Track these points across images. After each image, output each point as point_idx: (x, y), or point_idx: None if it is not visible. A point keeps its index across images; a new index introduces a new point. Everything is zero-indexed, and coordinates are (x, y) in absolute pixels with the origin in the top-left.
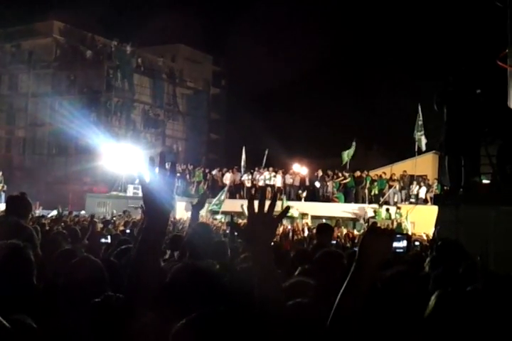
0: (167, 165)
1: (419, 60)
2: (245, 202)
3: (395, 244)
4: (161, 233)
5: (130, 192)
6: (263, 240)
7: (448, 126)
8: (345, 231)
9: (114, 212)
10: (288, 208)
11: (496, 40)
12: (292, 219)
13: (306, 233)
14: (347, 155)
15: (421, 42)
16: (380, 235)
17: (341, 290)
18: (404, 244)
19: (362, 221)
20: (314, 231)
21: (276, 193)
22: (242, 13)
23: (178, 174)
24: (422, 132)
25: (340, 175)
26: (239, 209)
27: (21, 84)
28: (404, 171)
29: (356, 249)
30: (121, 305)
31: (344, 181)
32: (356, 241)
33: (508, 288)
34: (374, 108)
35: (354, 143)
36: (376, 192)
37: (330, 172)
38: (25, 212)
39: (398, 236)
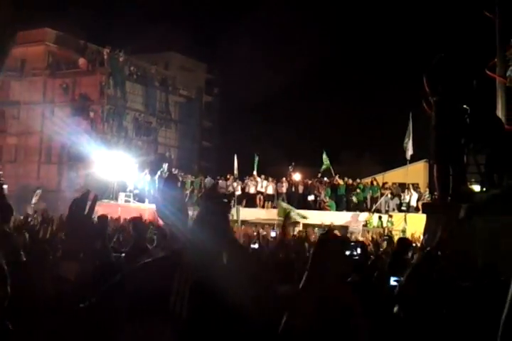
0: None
1: (410, 67)
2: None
3: (350, 252)
4: None
5: (121, 200)
6: None
7: (436, 134)
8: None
9: None
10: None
11: (485, 50)
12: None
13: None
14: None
15: (412, 50)
16: (328, 244)
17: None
18: (358, 251)
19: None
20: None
21: None
22: (234, 21)
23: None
24: (410, 141)
25: (334, 181)
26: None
27: (13, 92)
28: (394, 183)
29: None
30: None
31: (337, 181)
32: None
33: None
34: (366, 116)
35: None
36: (361, 198)
37: (322, 180)
38: (6, 216)
39: (352, 244)
